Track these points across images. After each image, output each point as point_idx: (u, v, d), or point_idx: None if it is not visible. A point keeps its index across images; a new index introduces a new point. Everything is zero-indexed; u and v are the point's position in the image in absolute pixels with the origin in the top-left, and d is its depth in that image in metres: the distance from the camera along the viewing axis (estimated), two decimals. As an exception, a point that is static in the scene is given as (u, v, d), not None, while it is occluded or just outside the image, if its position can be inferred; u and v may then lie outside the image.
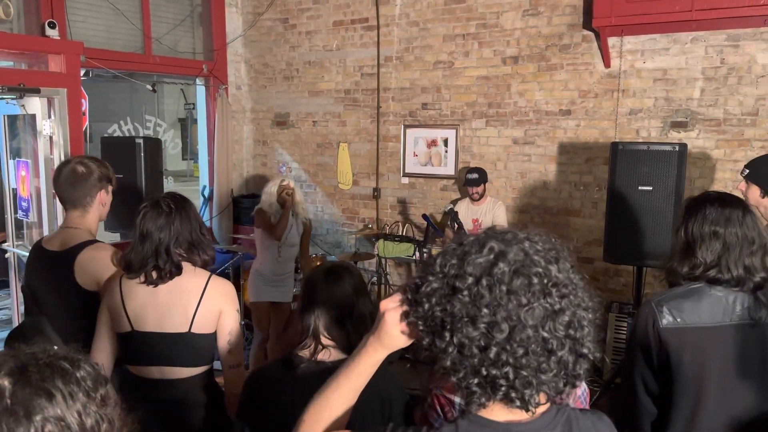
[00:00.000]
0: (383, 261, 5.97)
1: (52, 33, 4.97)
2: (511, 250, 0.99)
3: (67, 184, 2.46)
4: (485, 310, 0.96)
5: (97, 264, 2.36)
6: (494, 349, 0.95)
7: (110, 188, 2.56)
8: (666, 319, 1.87)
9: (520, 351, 0.95)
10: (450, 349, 0.98)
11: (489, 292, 0.96)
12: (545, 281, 0.97)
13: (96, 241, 2.46)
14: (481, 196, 5.17)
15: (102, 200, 2.52)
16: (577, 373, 1.00)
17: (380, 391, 1.78)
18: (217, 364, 2.29)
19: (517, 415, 1.01)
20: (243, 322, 5.51)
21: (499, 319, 0.95)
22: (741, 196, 2.90)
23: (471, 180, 5.11)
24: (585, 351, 1.00)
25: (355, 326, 1.83)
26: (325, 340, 1.81)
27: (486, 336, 0.96)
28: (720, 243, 1.86)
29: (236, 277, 5.78)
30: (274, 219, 4.59)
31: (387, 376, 1.86)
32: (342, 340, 1.82)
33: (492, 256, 0.99)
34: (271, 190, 4.68)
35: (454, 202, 5.55)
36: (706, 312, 1.85)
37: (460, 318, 0.97)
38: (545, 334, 0.96)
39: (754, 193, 2.82)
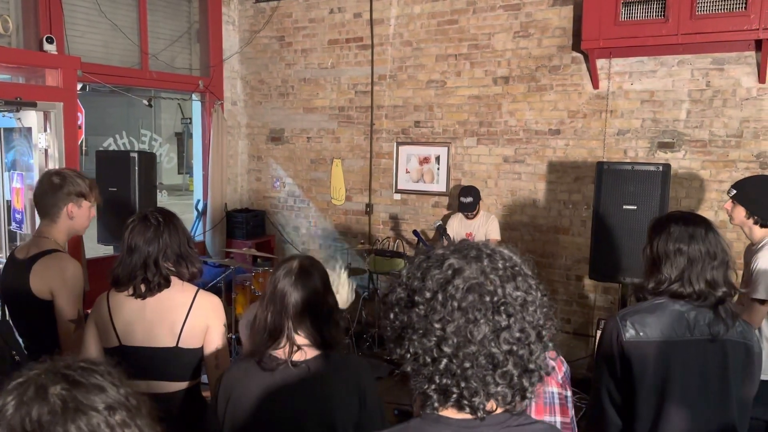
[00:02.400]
0: (374, 276, 6.01)
1: (50, 48, 5.05)
2: (468, 268, 1.05)
3: (40, 194, 2.52)
4: (437, 325, 1.01)
5: (50, 273, 2.40)
6: (443, 361, 1.01)
7: (83, 202, 2.57)
8: (629, 333, 1.92)
9: (467, 364, 1.01)
10: (407, 357, 1.05)
11: (442, 307, 1.02)
12: (495, 299, 1.03)
13: (56, 251, 2.48)
14: (475, 215, 5.21)
15: (70, 213, 2.53)
16: (525, 387, 1.05)
17: (358, 384, 1.84)
18: (204, 378, 2.32)
19: (466, 415, 1.06)
20: (234, 336, 5.53)
21: (448, 334, 1.01)
22: (727, 215, 2.98)
23: (465, 204, 5.09)
24: (532, 366, 1.05)
25: (326, 321, 1.85)
26: (299, 340, 1.81)
27: (436, 348, 1.02)
28: (684, 259, 1.92)
29: (228, 291, 5.81)
30: None
31: (362, 368, 1.90)
32: (315, 337, 1.83)
33: (450, 272, 1.04)
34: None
35: (447, 216, 5.61)
36: (669, 326, 1.90)
37: (416, 330, 1.04)
38: (492, 350, 1.01)
39: (739, 214, 2.88)
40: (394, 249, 6.14)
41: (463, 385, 1.02)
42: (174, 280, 2.19)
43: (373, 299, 6.11)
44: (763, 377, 2.17)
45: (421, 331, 1.03)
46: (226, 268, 5.99)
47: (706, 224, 1.98)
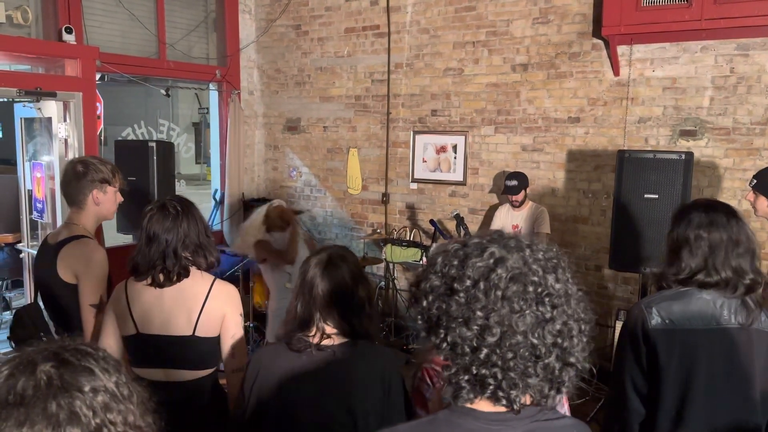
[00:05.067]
0: (391, 266, 6.00)
1: (69, 38, 5.08)
2: (510, 257, 1.03)
3: (65, 182, 2.57)
4: (479, 313, 0.99)
5: (76, 258, 2.44)
6: (485, 351, 0.99)
7: (108, 188, 2.61)
8: (655, 320, 1.89)
9: (509, 354, 0.99)
10: (443, 346, 1.03)
11: (485, 296, 1.00)
12: (539, 290, 1.01)
13: (84, 236, 2.52)
14: (522, 202, 5.02)
15: (96, 199, 2.57)
16: (563, 380, 1.03)
17: (383, 373, 1.86)
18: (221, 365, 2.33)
19: (499, 408, 1.04)
20: (252, 325, 5.57)
21: (492, 323, 0.99)
22: (749, 206, 2.91)
23: (510, 188, 4.91)
24: (572, 360, 1.03)
25: (356, 313, 1.88)
26: (328, 329, 1.86)
27: (478, 337, 0.99)
28: (705, 245, 1.88)
29: (245, 280, 5.84)
30: (275, 244, 4.17)
31: (389, 358, 1.93)
32: (344, 327, 1.87)
33: (491, 261, 1.02)
34: (259, 217, 4.19)
35: (494, 207, 5.53)
36: (695, 315, 1.88)
37: (454, 318, 1.01)
38: (534, 341, 0.99)
39: (762, 204, 2.82)
40: (411, 239, 6.13)
41: (501, 376, 1.00)
42: (192, 269, 2.20)
43: (388, 289, 6.11)
44: None
45: (460, 320, 1.01)
46: (243, 257, 6.02)
47: (728, 210, 1.94)
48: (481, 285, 1.00)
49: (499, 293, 0.99)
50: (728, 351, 1.87)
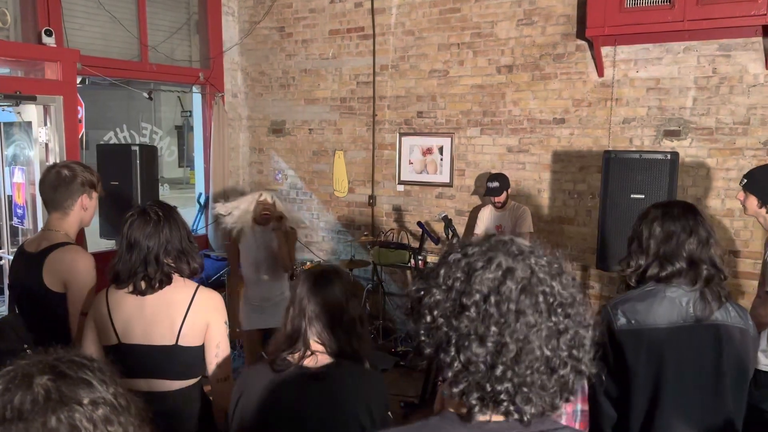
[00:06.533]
0: (378, 268, 5.98)
1: (49, 41, 5.00)
2: (518, 267, 0.99)
3: (50, 187, 2.49)
4: (494, 329, 0.95)
5: (64, 266, 2.38)
6: (500, 368, 0.95)
7: (94, 194, 2.57)
8: (621, 321, 1.88)
9: (527, 371, 0.96)
10: (455, 365, 0.98)
11: (497, 310, 0.96)
12: (550, 300, 0.98)
13: (68, 243, 2.47)
14: (504, 203, 5.08)
15: (83, 205, 2.54)
16: (573, 390, 1.01)
17: (365, 397, 1.83)
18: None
19: (495, 417, 1.01)
20: (238, 329, 5.50)
21: (507, 339, 0.95)
22: (733, 204, 2.93)
23: (492, 189, 4.97)
24: (583, 368, 1.01)
25: (345, 331, 1.84)
26: (314, 346, 1.82)
27: (493, 355, 0.96)
28: (658, 236, 1.90)
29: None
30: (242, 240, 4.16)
31: (372, 381, 1.89)
32: (332, 345, 1.82)
33: (500, 273, 0.98)
34: (248, 208, 4.11)
35: (477, 208, 5.54)
36: (661, 314, 1.86)
37: (467, 335, 0.97)
38: (549, 354, 0.97)
39: (752, 203, 2.83)
40: (398, 241, 6.11)
41: (515, 392, 0.96)
42: (174, 276, 2.15)
43: (377, 291, 6.08)
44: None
45: (473, 337, 0.96)
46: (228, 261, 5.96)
47: (684, 206, 1.95)
48: (492, 299, 0.96)
49: (513, 307, 0.96)
50: (696, 348, 1.85)
